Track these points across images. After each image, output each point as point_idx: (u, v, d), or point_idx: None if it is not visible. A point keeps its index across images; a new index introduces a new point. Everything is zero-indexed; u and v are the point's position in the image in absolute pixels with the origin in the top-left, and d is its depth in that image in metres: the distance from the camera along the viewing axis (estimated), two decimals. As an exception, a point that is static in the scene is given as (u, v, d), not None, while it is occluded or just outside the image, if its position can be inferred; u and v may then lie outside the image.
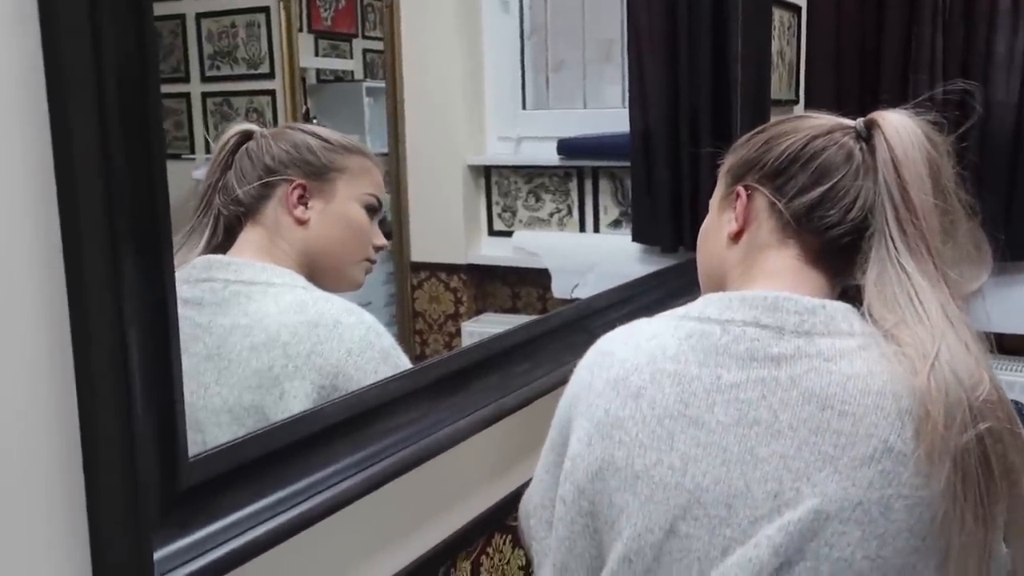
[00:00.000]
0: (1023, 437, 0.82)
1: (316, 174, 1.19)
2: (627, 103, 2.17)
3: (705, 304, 0.92)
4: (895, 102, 0.94)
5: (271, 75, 1.72)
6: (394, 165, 2.06)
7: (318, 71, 1.96)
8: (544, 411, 1.02)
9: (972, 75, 1.99)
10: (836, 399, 0.82)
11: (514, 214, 2.36)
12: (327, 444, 0.97)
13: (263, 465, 0.89)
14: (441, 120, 2.20)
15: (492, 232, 2.37)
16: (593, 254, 2.26)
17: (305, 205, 1.19)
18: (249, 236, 1.18)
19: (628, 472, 0.87)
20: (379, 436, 1.04)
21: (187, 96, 1.65)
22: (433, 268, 2.24)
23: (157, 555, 0.76)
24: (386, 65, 2.06)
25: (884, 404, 0.81)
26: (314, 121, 1.82)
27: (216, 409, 1.05)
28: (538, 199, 2.34)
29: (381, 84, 2.06)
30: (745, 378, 0.85)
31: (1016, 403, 1.27)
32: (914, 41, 2.07)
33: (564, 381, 0.98)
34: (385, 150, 2.03)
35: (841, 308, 0.88)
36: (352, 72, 2.05)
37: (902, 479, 0.80)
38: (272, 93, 1.74)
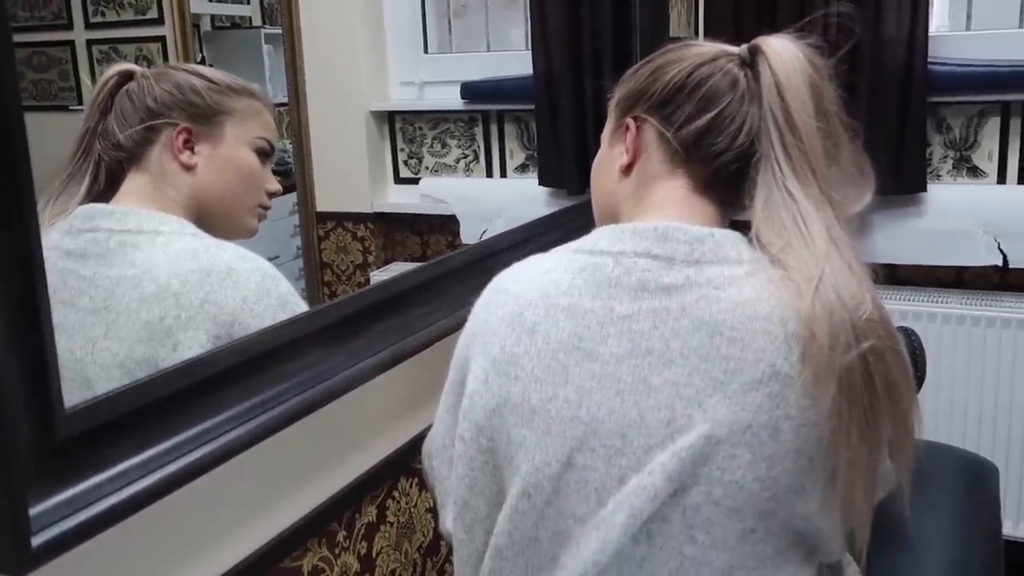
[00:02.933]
0: (904, 355, 0.84)
1: (202, 117, 1.15)
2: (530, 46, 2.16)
3: (598, 237, 0.92)
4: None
5: (160, 20, 1.65)
6: (295, 113, 2.00)
7: (213, 17, 1.88)
8: (447, 352, 1.01)
9: (865, 8, 2.01)
10: (725, 326, 0.83)
11: (420, 161, 2.33)
12: (217, 391, 0.94)
13: (149, 415, 0.86)
14: (342, 66, 2.14)
15: (398, 180, 2.33)
16: (501, 199, 2.24)
17: (192, 150, 1.14)
18: (133, 183, 1.14)
19: (525, 407, 0.87)
20: (274, 381, 1.01)
21: (71, 44, 1.57)
22: (339, 218, 2.19)
23: (33, 510, 0.73)
24: (281, 10, 1.99)
25: (771, 329, 0.82)
26: (209, 68, 1.75)
27: (106, 364, 1.02)
28: (444, 145, 2.31)
29: (280, 31, 1.99)
30: (637, 309, 0.86)
31: (905, 329, 1.30)
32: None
33: (465, 322, 0.98)
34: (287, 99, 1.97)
35: (730, 236, 0.89)
36: (250, 18, 1.97)
37: (789, 401, 0.81)
38: (163, 40, 1.66)
